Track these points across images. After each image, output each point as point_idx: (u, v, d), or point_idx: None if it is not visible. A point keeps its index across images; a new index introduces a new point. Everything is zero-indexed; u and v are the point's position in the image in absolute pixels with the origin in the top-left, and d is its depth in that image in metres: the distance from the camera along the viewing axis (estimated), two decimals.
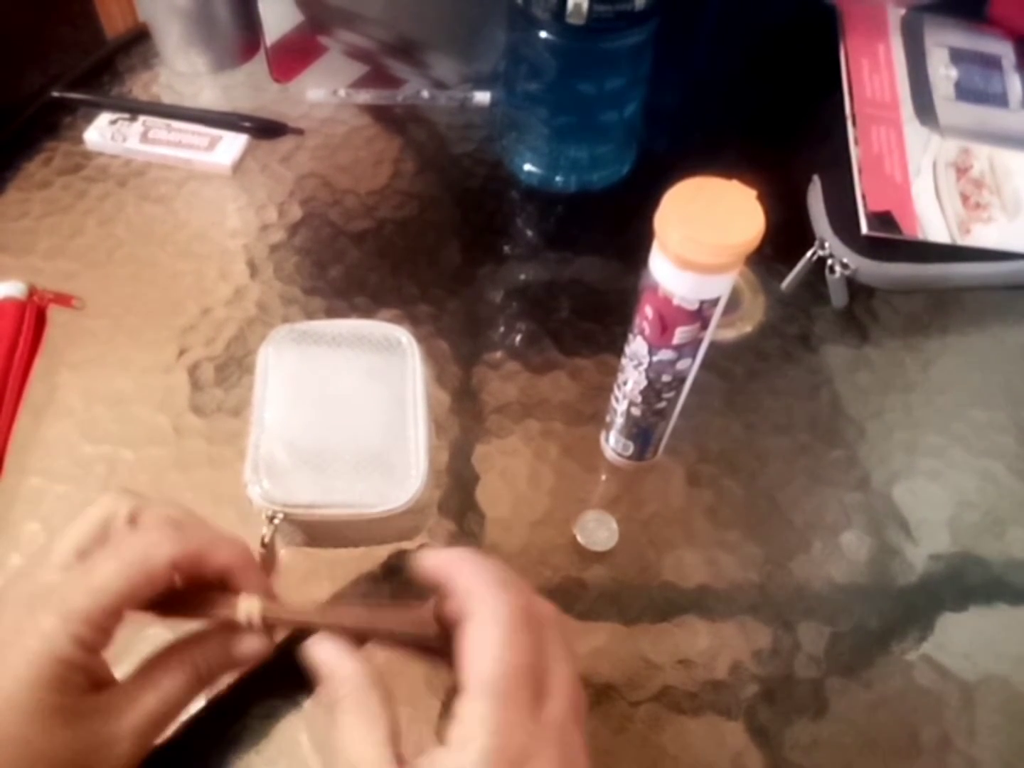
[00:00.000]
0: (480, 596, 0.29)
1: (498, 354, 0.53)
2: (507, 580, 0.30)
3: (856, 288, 0.54)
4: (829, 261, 0.54)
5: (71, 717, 0.28)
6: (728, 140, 0.60)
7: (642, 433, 0.45)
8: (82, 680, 0.29)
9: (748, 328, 0.55)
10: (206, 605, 0.32)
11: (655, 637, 0.43)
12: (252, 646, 0.33)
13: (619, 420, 0.45)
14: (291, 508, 0.39)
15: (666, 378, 0.40)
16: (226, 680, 0.38)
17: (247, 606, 0.32)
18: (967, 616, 0.44)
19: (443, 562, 0.31)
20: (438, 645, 0.31)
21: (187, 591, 0.32)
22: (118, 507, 0.32)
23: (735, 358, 0.54)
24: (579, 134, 0.60)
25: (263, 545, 0.39)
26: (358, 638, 0.32)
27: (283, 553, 0.41)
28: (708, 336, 0.38)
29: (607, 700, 0.41)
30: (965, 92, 0.58)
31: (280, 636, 0.34)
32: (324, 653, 0.31)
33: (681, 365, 0.40)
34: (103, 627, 0.29)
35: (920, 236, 0.52)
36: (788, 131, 0.62)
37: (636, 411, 0.43)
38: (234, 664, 0.33)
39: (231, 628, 0.33)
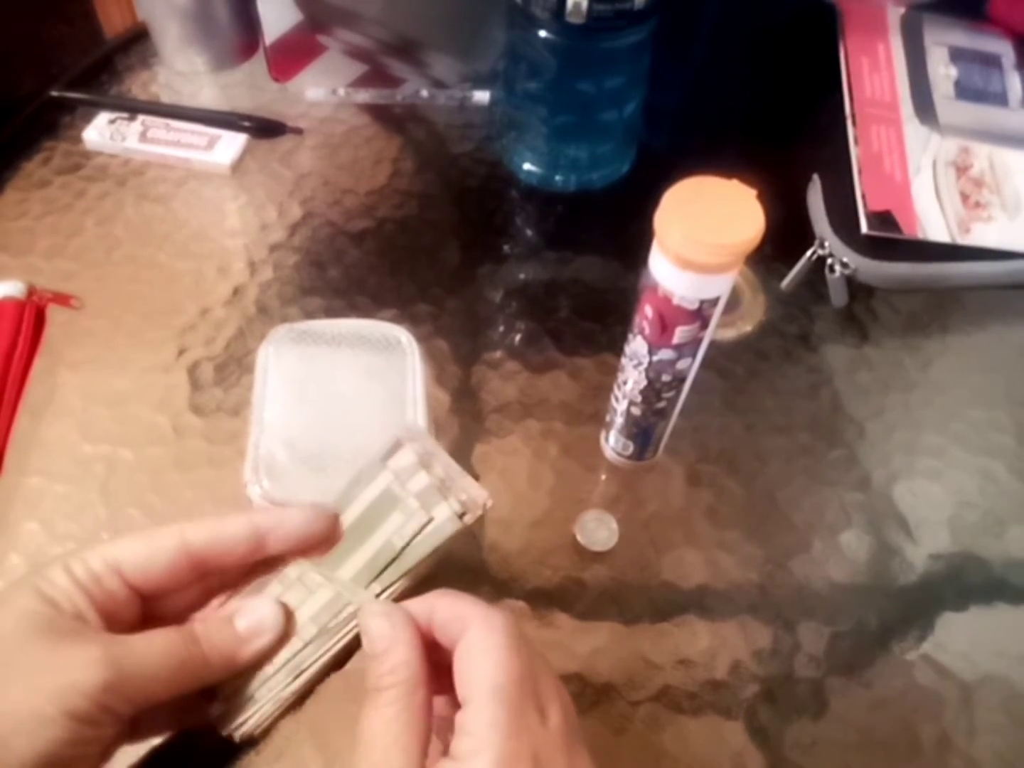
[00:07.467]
0: (471, 613, 0.29)
1: (498, 354, 0.53)
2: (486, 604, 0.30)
3: (856, 288, 0.54)
4: (829, 260, 0.54)
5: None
6: (728, 140, 0.60)
7: (642, 433, 0.45)
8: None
9: (748, 328, 0.55)
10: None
11: (655, 637, 0.43)
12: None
13: (619, 420, 0.45)
14: None
15: (666, 378, 0.40)
16: None
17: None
18: (967, 616, 0.44)
19: (422, 608, 0.30)
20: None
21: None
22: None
23: (735, 358, 0.53)
24: (579, 133, 0.60)
25: None
26: None
27: None
28: (708, 336, 0.38)
29: (607, 700, 0.40)
30: (965, 91, 0.58)
31: None
32: (383, 627, 0.29)
33: (681, 365, 0.39)
34: None
35: (920, 235, 0.52)
36: (788, 131, 0.62)
37: (636, 411, 0.43)
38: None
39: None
